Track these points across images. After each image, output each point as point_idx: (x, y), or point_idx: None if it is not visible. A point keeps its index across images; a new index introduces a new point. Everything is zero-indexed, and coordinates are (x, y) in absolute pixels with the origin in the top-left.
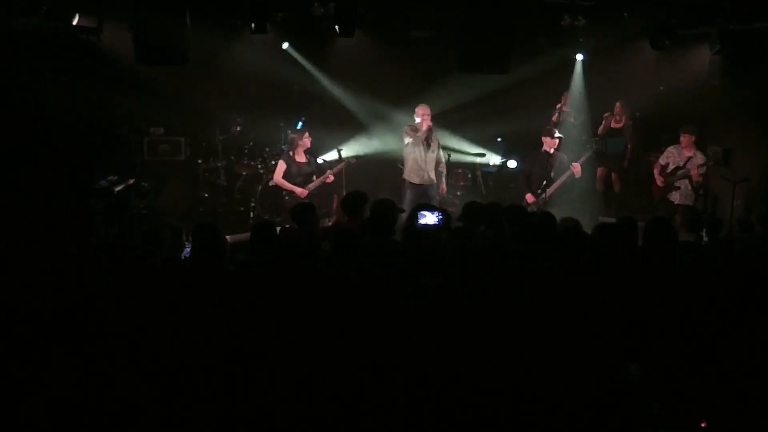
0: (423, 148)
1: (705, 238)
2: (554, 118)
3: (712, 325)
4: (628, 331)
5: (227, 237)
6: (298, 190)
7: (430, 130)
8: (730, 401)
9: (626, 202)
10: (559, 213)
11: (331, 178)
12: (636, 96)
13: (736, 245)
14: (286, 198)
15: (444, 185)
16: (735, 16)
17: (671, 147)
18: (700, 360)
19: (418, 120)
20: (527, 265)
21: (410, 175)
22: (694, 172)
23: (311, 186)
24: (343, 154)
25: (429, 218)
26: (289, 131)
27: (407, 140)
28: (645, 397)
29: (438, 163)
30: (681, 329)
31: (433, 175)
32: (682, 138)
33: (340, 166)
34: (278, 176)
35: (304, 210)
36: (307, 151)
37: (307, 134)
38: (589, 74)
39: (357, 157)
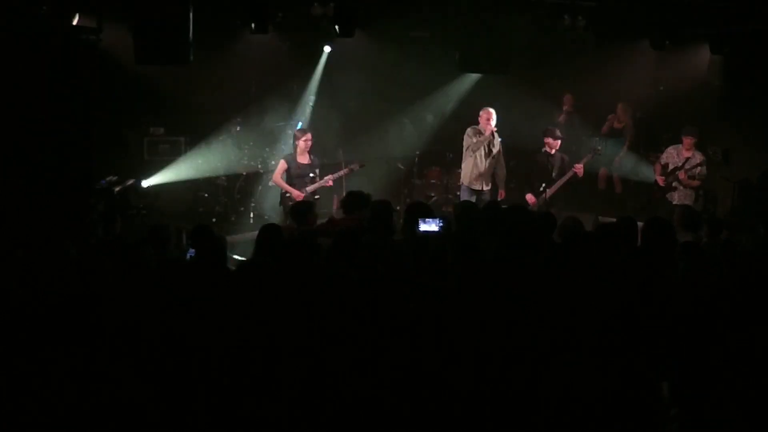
0: (483, 153)
1: (704, 239)
2: (560, 119)
3: (713, 326)
4: (628, 331)
5: (227, 237)
6: (294, 192)
7: (492, 135)
8: (730, 402)
9: (626, 202)
10: (558, 213)
11: (330, 183)
12: (636, 96)
13: (736, 246)
14: (287, 195)
15: (503, 191)
16: (735, 16)
17: (671, 147)
18: (701, 361)
19: (481, 124)
20: (526, 267)
21: (469, 180)
22: (682, 176)
23: (309, 189)
24: (348, 157)
25: (429, 226)
26: (290, 131)
27: (467, 144)
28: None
29: (499, 168)
30: (682, 330)
31: (488, 180)
32: (684, 140)
33: (341, 172)
34: (277, 176)
35: (303, 209)
36: (310, 152)
37: (309, 135)
38: (589, 74)
39: (360, 164)
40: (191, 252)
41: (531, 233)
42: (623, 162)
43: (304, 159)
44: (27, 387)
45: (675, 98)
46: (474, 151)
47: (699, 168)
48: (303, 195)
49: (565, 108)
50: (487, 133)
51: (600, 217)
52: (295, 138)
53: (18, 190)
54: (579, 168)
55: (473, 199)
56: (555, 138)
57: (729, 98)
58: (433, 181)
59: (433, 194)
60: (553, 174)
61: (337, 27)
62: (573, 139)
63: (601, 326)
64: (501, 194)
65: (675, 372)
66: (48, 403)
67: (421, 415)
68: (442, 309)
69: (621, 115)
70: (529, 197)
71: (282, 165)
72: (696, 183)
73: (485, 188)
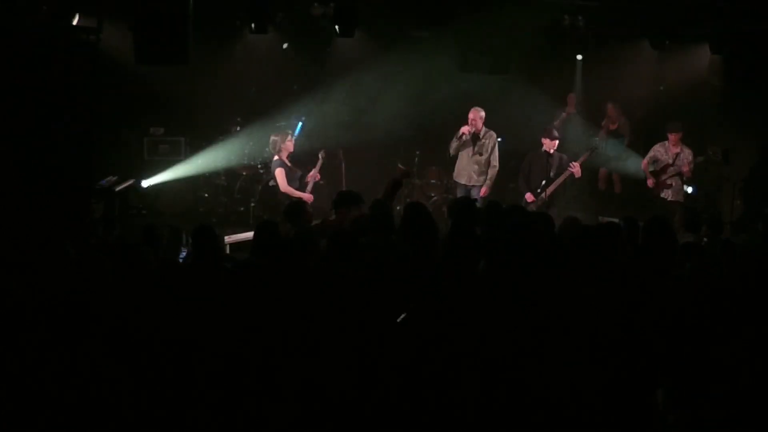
0: (469, 149)
1: (704, 239)
2: (559, 122)
3: (713, 326)
4: (628, 332)
5: (226, 237)
6: (305, 196)
7: (466, 133)
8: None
9: (626, 202)
10: (558, 212)
11: (318, 176)
12: (636, 96)
13: (737, 245)
14: (286, 199)
15: (485, 188)
16: (735, 16)
17: (658, 145)
18: (701, 362)
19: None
20: (525, 268)
21: (456, 174)
22: (686, 169)
23: (309, 189)
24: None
25: None
26: (271, 134)
27: (453, 141)
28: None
29: (488, 167)
30: (682, 331)
31: (478, 177)
32: (670, 136)
33: (318, 164)
34: (285, 185)
35: (297, 209)
36: (289, 155)
37: (289, 137)
38: (589, 74)
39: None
40: (183, 253)
41: (530, 233)
42: (626, 162)
43: (288, 162)
44: (26, 387)
45: (675, 98)
46: (462, 147)
47: (690, 164)
48: (312, 198)
49: (567, 108)
50: (460, 130)
51: (600, 217)
52: (276, 142)
53: (18, 191)
54: (575, 167)
55: (462, 193)
56: (552, 138)
57: (729, 98)
58: (433, 181)
59: (433, 194)
60: (552, 174)
61: (337, 27)
62: (574, 139)
63: (601, 327)
64: (482, 191)
65: (672, 377)
66: (47, 403)
67: (421, 416)
68: (442, 309)
69: (612, 116)
70: (528, 196)
71: (282, 173)
72: (691, 176)
73: (470, 183)
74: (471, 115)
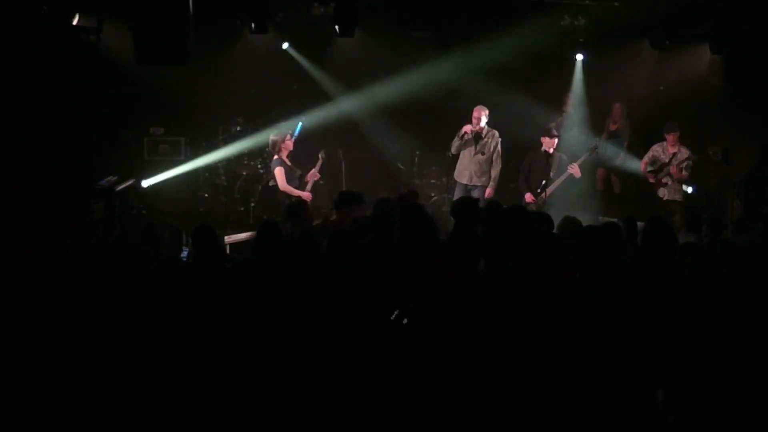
0: (472, 148)
1: (705, 239)
2: (557, 123)
3: (713, 327)
4: (628, 332)
5: (226, 237)
6: (304, 194)
7: (469, 132)
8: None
9: (626, 202)
10: (558, 213)
11: (318, 175)
12: (636, 96)
13: (737, 246)
14: (286, 199)
15: (490, 189)
16: (735, 16)
17: (656, 145)
18: (701, 363)
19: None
20: (525, 267)
21: (457, 174)
22: (673, 170)
23: (308, 188)
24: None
25: None
26: (271, 135)
27: (455, 140)
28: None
29: (489, 166)
30: (682, 331)
31: (479, 177)
32: (667, 137)
33: (318, 163)
34: (284, 183)
35: (298, 208)
36: (289, 154)
37: (288, 136)
38: (589, 74)
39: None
40: (185, 252)
41: (530, 233)
42: (624, 163)
43: (288, 161)
44: (26, 387)
45: (675, 98)
46: (464, 146)
47: (687, 162)
48: (311, 196)
49: (567, 108)
50: (463, 130)
51: (600, 217)
52: (277, 142)
53: (18, 191)
54: (575, 168)
55: (462, 193)
56: (552, 137)
57: (729, 98)
58: (433, 181)
59: (433, 194)
60: (552, 173)
61: (337, 27)
62: (573, 139)
63: (601, 327)
64: (488, 192)
65: (672, 377)
66: (47, 403)
67: (422, 416)
68: (442, 309)
69: (616, 117)
70: (528, 196)
71: (281, 172)
72: (685, 176)
73: (471, 183)
74: (475, 113)
